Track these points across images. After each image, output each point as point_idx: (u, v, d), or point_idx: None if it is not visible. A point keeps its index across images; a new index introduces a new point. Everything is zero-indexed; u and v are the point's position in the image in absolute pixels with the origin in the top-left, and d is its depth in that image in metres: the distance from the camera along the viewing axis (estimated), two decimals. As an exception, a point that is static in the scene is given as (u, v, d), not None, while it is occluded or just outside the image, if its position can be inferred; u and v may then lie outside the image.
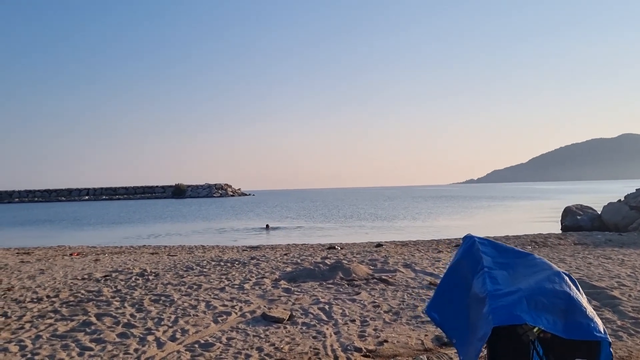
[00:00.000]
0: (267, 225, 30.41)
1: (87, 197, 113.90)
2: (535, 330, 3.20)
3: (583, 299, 3.31)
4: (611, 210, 20.71)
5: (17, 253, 15.57)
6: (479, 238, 4.00)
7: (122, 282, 8.87)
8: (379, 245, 14.74)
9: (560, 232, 21.69)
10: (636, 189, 22.25)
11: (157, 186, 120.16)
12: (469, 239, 4.04)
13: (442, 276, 4.18)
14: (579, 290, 3.36)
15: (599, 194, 76.89)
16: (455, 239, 16.88)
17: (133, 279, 9.20)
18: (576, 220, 21.83)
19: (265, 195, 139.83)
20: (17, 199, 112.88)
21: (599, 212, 22.09)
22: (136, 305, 7.13)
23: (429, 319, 6.27)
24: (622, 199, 22.48)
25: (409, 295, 7.42)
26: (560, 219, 24.18)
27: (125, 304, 7.21)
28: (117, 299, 7.58)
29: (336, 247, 14.78)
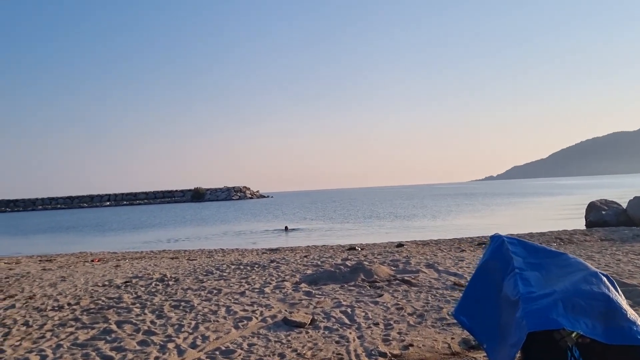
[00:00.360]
0: (286, 227, 30.29)
1: (108, 203, 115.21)
2: (573, 335, 3.02)
3: (623, 301, 3.12)
4: (637, 205, 20.20)
5: (40, 260, 15.71)
6: (508, 237, 3.83)
7: (143, 288, 8.84)
8: (400, 245, 14.55)
9: (584, 228, 21.25)
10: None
11: (176, 190, 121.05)
12: (497, 239, 3.87)
13: (467, 277, 4.02)
14: (617, 292, 3.17)
15: (622, 188, 75.46)
16: (478, 237, 16.59)
17: (153, 284, 9.17)
18: (601, 216, 21.33)
19: (283, 197, 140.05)
20: (40, 206, 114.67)
21: (624, 207, 21.58)
22: (156, 312, 7.07)
23: (455, 321, 6.10)
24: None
25: (432, 296, 7.24)
26: (584, 214, 23.69)
27: (146, 311, 7.15)
28: (138, 305, 7.53)
29: (356, 247, 14.63)
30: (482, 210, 40.61)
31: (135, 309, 7.30)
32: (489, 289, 3.67)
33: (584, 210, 25.00)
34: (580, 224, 22.89)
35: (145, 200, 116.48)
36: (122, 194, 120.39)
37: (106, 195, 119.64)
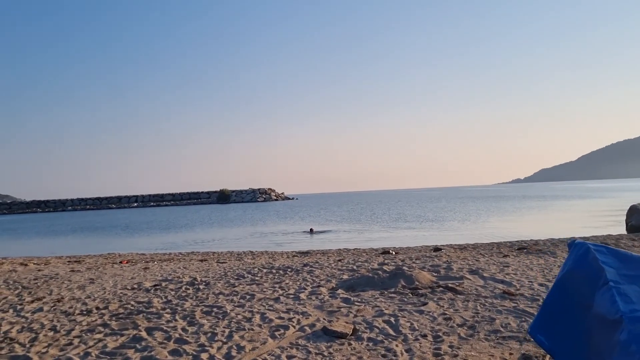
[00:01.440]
0: (311, 229, 30.00)
1: (135, 204, 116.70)
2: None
3: None
4: (684, 208, 19.21)
5: (69, 261, 15.60)
6: (594, 245, 3.33)
7: (172, 292, 8.51)
8: (437, 249, 13.98)
9: (625, 232, 20.33)
10: None
11: (202, 192, 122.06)
12: (579, 246, 3.37)
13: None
14: None
15: (658, 191, 73.20)
16: (517, 241, 15.92)
17: (183, 288, 8.84)
18: (644, 220, 20.36)
19: (308, 199, 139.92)
20: (70, 207, 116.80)
21: (669, 211, 20.59)
22: (187, 318, 6.71)
23: (510, 334, 5.60)
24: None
25: (482, 305, 6.71)
26: (624, 218, 22.73)
27: (177, 317, 6.80)
28: (168, 310, 7.19)
29: (390, 251, 14.12)
30: (514, 214, 39.58)
31: (165, 314, 6.96)
32: (573, 304, 3.17)
33: (622, 214, 24.01)
34: (621, 229, 21.95)
35: (172, 202, 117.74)
36: (150, 195, 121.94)
37: (134, 196, 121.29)
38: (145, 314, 7.01)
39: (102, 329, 6.36)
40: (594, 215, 33.91)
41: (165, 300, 7.91)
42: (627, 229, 21.29)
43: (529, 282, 7.91)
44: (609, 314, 2.79)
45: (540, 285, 7.64)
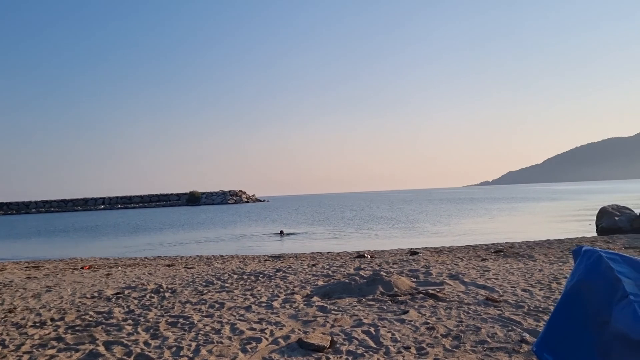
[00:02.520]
0: (282, 232, 29.69)
1: (102, 207, 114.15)
2: None
3: None
4: (653, 210, 19.43)
5: (26, 267, 14.76)
6: (606, 252, 2.97)
7: (136, 301, 7.94)
8: (414, 253, 13.66)
9: (596, 234, 20.50)
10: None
11: (171, 194, 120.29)
12: (589, 254, 3.00)
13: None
14: None
15: (621, 194, 75.12)
16: (493, 244, 15.75)
17: (147, 296, 8.27)
18: (614, 222, 20.57)
19: (279, 201, 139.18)
20: (34, 210, 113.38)
21: (637, 213, 20.84)
22: (151, 330, 6.17)
23: (498, 344, 5.24)
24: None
25: (465, 313, 6.35)
26: (594, 220, 22.97)
27: (139, 329, 6.25)
28: (130, 321, 6.63)
29: (366, 255, 13.75)
30: (485, 216, 39.82)
31: (127, 326, 6.40)
32: (585, 319, 2.80)
33: (590, 216, 24.29)
34: (591, 230, 22.16)
35: (140, 204, 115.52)
36: (117, 197, 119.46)
37: (100, 198, 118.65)
38: (104, 326, 6.44)
39: (56, 344, 5.78)
40: (564, 217, 34.30)
41: (127, 310, 7.34)
42: (597, 231, 21.50)
43: (511, 287, 7.61)
44: (632, 332, 2.43)
45: (524, 290, 7.35)
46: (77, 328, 6.40)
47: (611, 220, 20.76)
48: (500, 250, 13.02)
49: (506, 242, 16.04)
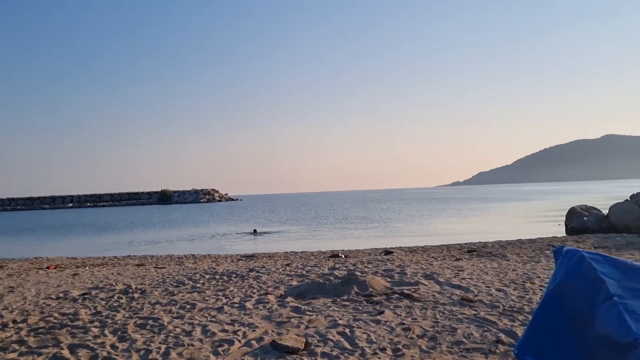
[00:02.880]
0: (255, 230, 29.56)
1: (71, 205, 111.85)
2: None
3: None
4: (620, 211, 19.86)
5: (-11, 266, 14.25)
6: (588, 252, 2.91)
7: (103, 302, 7.67)
8: (388, 252, 13.61)
9: (565, 234, 20.85)
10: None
11: (142, 192, 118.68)
12: (571, 254, 2.94)
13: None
14: None
15: (588, 194, 76.90)
16: (466, 244, 15.84)
17: (115, 297, 8.00)
18: (583, 222, 20.95)
19: (253, 200, 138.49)
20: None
21: (605, 213, 21.28)
22: (118, 332, 5.94)
23: (474, 345, 5.19)
24: (628, 199, 21.69)
25: (441, 314, 6.29)
26: (564, 220, 23.36)
27: (106, 331, 6.01)
28: (96, 323, 6.38)
29: (340, 254, 13.66)
30: (457, 215, 40.23)
31: (93, 328, 6.15)
32: (567, 320, 2.74)
33: (559, 216, 24.70)
34: (560, 230, 22.53)
35: (110, 202, 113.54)
36: (86, 195, 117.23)
37: (69, 196, 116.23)
38: (69, 328, 6.18)
39: (18, 347, 5.51)
40: (534, 217, 34.87)
41: (94, 311, 7.08)
42: (566, 231, 21.86)
43: (486, 287, 7.60)
44: (617, 335, 2.37)
45: (498, 290, 7.35)
46: (40, 330, 6.14)
47: (580, 221, 21.13)
48: (473, 250, 13.09)
49: (479, 242, 16.15)
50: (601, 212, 21.91)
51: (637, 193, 21.51)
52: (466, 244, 15.75)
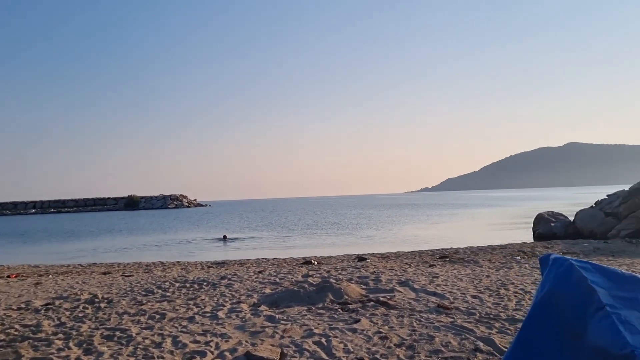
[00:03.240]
0: (225, 237, 29.24)
1: (33, 211, 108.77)
2: None
3: None
4: (586, 217, 20.29)
5: (-55, 275, 13.59)
6: (577, 260, 2.85)
7: (67, 313, 7.35)
8: (361, 259, 13.52)
9: (532, 240, 21.17)
10: (607, 195, 21.98)
11: (108, 198, 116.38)
12: (559, 262, 2.87)
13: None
14: None
15: (552, 201, 78.70)
16: (438, 250, 15.90)
17: (81, 307, 7.68)
18: (550, 228, 21.33)
19: (222, 206, 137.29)
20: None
21: (571, 219, 21.71)
22: (84, 345, 5.67)
23: (453, 354, 5.11)
24: (593, 205, 22.18)
25: (418, 322, 6.21)
26: (531, 226, 23.73)
27: (70, 343, 5.73)
28: (60, 335, 6.08)
29: (313, 261, 13.50)
30: (426, 221, 40.57)
31: (57, 340, 5.86)
32: (557, 332, 2.66)
33: (525, 222, 25.11)
34: (528, 236, 22.87)
35: (75, 208, 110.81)
36: (49, 201, 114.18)
37: (31, 202, 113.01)
38: (31, 341, 5.88)
39: (-26, 363, 5.20)
40: (501, 223, 35.39)
41: (57, 322, 6.77)
42: (534, 237, 22.21)
43: (461, 294, 7.57)
44: (612, 347, 2.29)
45: (474, 297, 7.32)
46: (0, 344, 5.81)
47: (547, 227, 21.50)
48: (445, 256, 13.12)
49: (450, 248, 16.23)
50: (567, 218, 22.35)
51: (601, 200, 22.02)
52: (438, 250, 15.81)
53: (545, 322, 2.72)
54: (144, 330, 6.18)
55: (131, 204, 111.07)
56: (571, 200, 75.96)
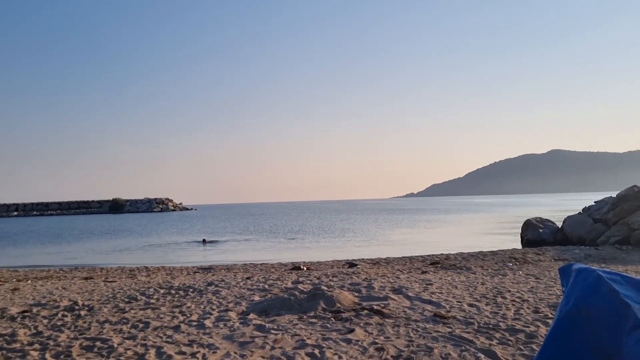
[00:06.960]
0: (204, 240, 28.93)
1: (15, 213, 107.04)
2: None
3: None
4: (575, 224, 20.22)
5: None
6: (605, 272, 2.59)
7: (45, 321, 6.97)
8: (352, 265, 13.23)
9: (520, 245, 21.06)
10: (595, 202, 21.97)
11: (93, 201, 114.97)
12: (587, 273, 2.60)
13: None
14: None
15: (536, 207, 79.22)
16: (429, 255, 15.67)
17: (60, 315, 7.30)
18: (538, 234, 21.22)
19: (207, 210, 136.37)
20: None
21: (559, 226, 21.63)
22: (61, 356, 5.33)
23: (455, 367, 4.88)
24: (581, 211, 22.15)
25: (414, 331, 5.94)
26: (519, 232, 23.62)
27: (47, 355, 5.38)
28: (37, 346, 5.73)
29: (301, 266, 13.19)
30: (413, 227, 40.45)
31: (32, 351, 5.50)
32: (586, 351, 2.40)
33: (513, 227, 25.03)
34: (515, 241, 22.77)
35: (59, 211, 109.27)
36: (32, 203, 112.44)
37: (14, 204, 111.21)
38: (5, 352, 5.51)
39: (-58, 376, 4.83)
40: (489, 229, 35.37)
41: (34, 331, 6.39)
42: (522, 243, 22.09)
43: (457, 302, 7.32)
44: (655, 369, 2.04)
45: (470, 305, 7.08)
46: (-29, 355, 5.44)
47: (536, 233, 21.39)
48: (437, 262, 12.90)
49: (441, 254, 16.01)
50: (555, 224, 22.27)
51: (589, 206, 22.00)
52: (428, 255, 15.58)
53: (573, 339, 2.46)
54: (126, 341, 5.84)
55: (116, 207, 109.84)
56: (554, 206, 76.54)
